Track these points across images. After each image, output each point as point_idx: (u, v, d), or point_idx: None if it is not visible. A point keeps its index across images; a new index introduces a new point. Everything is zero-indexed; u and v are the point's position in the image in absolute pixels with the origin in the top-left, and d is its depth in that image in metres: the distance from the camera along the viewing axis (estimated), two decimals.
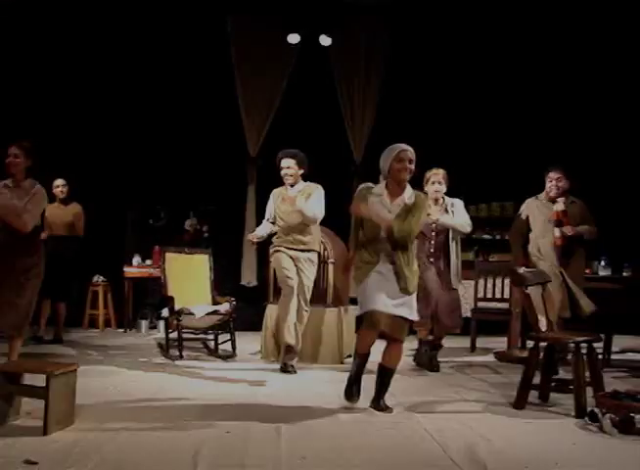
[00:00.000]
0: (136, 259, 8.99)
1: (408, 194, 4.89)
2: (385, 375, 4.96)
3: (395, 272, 4.79)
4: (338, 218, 6.64)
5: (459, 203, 6.57)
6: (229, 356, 7.07)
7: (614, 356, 6.96)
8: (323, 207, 6.49)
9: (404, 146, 4.92)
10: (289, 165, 6.50)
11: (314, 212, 6.43)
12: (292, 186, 6.53)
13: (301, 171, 6.54)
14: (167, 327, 7.27)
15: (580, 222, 6.76)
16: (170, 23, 8.93)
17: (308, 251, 6.52)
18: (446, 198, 6.53)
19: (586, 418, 4.59)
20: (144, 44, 8.96)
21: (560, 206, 6.72)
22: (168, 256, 7.47)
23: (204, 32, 8.99)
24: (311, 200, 6.43)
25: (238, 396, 5.37)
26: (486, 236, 9.43)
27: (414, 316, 4.90)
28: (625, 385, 5.69)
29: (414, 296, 4.90)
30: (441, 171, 6.52)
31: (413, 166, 4.89)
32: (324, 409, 4.91)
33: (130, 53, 8.99)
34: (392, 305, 4.78)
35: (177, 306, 6.98)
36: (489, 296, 7.95)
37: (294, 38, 9.16)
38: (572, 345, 4.98)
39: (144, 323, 8.97)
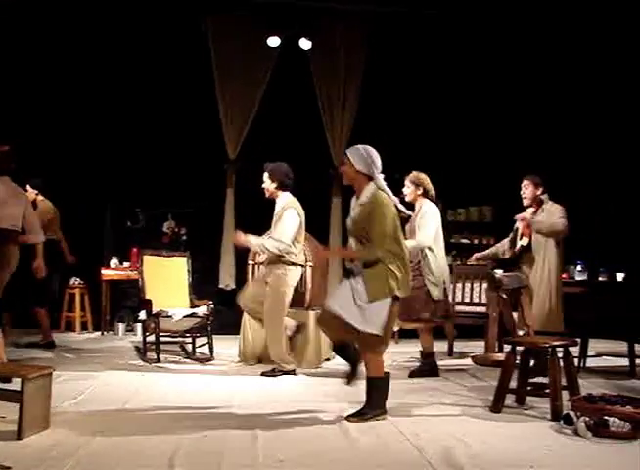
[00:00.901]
0: (114, 262, 8.94)
1: (365, 194, 4.83)
2: (366, 384, 4.89)
3: (361, 276, 4.75)
4: (316, 222, 6.64)
5: (428, 213, 6.34)
6: (207, 360, 7.05)
7: (589, 360, 7.02)
8: (287, 234, 6.24)
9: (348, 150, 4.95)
10: (264, 180, 6.43)
11: (277, 248, 6.23)
12: (274, 200, 6.46)
13: (274, 185, 6.36)
14: (145, 330, 7.25)
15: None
16: (150, 24, 8.88)
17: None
18: (425, 204, 6.44)
19: (561, 421, 4.62)
20: (123, 45, 8.91)
21: (526, 214, 6.70)
22: (146, 258, 7.45)
23: (183, 34, 8.96)
24: (276, 230, 6.31)
25: (215, 399, 5.36)
26: (464, 240, 9.49)
27: (367, 328, 4.64)
28: (600, 388, 5.75)
29: (378, 305, 4.67)
30: (412, 174, 6.51)
31: (345, 168, 4.87)
32: (301, 413, 4.91)
33: (110, 54, 8.93)
34: (340, 306, 4.73)
35: (155, 309, 6.95)
36: (467, 300, 7.97)
37: (274, 41, 9.17)
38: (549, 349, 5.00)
39: (121, 326, 8.93)
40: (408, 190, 6.44)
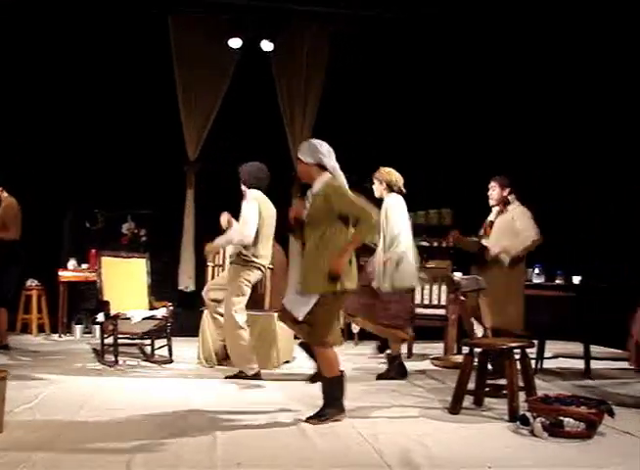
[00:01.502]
0: (72, 263, 8.82)
1: (317, 184, 4.85)
2: (322, 384, 4.88)
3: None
4: (277, 222, 6.61)
5: (390, 206, 6.32)
6: (165, 362, 6.99)
7: (546, 362, 7.12)
8: (248, 223, 6.19)
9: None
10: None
11: (237, 239, 6.24)
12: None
13: (242, 184, 6.38)
14: (103, 332, 7.17)
15: (501, 234, 6.56)
16: (111, 23, 8.82)
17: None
18: (387, 198, 6.37)
19: (518, 422, 4.67)
20: (83, 45, 8.84)
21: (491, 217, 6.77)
22: (105, 260, 7.37)
23: (144, 33, 8.92)
24: (238, 222, 6.33)
25: (174, 401, 5.31)
26: (424, 243, 9.51)
27: (297, 314, 4.73)
28: (556, 389, 5.83)
29: (311, 297, 4.70)
30: (378, 170, 6.47)
31: (301, 167, 4.92)
32: (260, 415, 4.89)
33: (69, 54, 8.85)
34: (288, 298, 4.87)
35: (113, 311, 6.89)
36: (426, 302, 8.02)
37: (235, 42, 9.15)
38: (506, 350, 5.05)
39: (79, 328, 8.83)
40: (374, 187, 6.45)
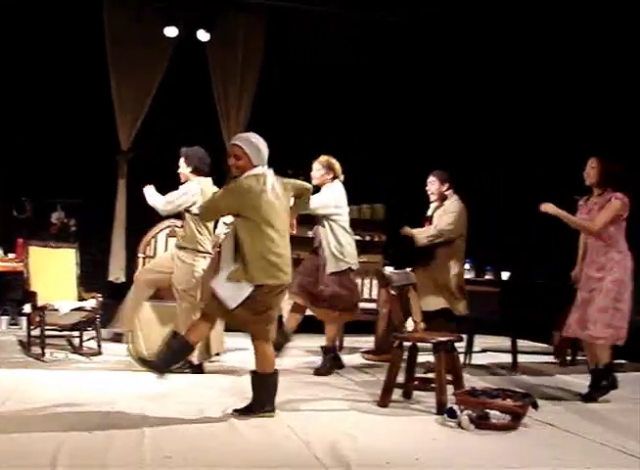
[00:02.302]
0: None
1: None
2: (253, 379, 4.84)
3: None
4: None
5: (326, 192, 6.43)
6: (94, 354, 6.88)
7: (475, 356, 7.25)
8: (176, 194, 6.20)
9: (235, 138, 4.94)
10: (179, 164, 6.39)
11: (159, 203, 6.24)
12: None
13: (189, 169, 6.32)
14: (29, 324, 7.00)
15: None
16: (42, 9, 8.61)
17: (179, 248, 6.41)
18: (329, 187, 6.45)
19: (446, 415, 4.75)
20: (11, 26, 8.59)
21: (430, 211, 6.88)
22: (32, 249, 7.22)
23: (77, 19, 8.71)
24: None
25: (102, 395, 5.23)
26: (357, 237, 9.57)
27: (219, 294, 4.68)
28: (484, 383, 5.95)
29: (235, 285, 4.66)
30: (323, 157, 6.52)
31: (240, 162, 4.77)
32: (189, 409, 4.85)
33: None
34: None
35: (40, 302, 6.75)
36: None
37: (171, 31, 9.04)
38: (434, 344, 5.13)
39: (4, 319, 8.61)
40: (318, 173, 6.45)
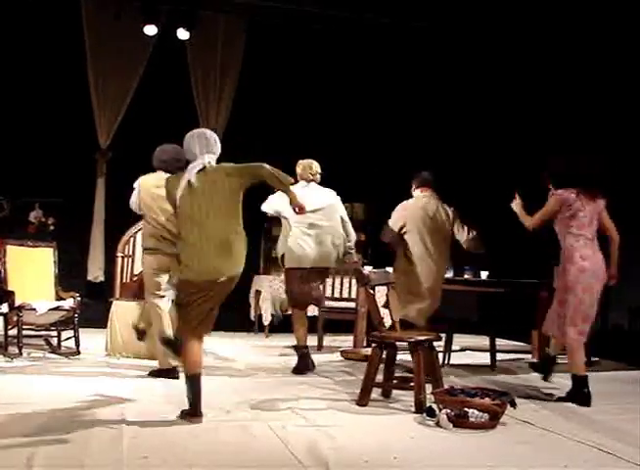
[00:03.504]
0: None
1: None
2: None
3: None
4: None
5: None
6: (72, 354, 6.85)
7: (454, 355, 7.28)
8: (133, 198, 6.10)
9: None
10: None
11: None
12: None
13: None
14: (7, 323, 6.95)
15: None
16: (20, 5, 8.53)
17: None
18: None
19: (424, 414, 4.77)
20: None
21: None
22: (10, 248, 7.17)
23: (55, 16, 8.67)
24: None
25: (79, 394, 5.20)
26: None
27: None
28: (463, 382, 5.98)
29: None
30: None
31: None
32: (167, 408, 4.83)
33: None
34: None
35: (18, 302, 6.71)
36: (337, 295, 8.09)
37: (150, 30, 9.01)
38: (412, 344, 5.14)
39: None
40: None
